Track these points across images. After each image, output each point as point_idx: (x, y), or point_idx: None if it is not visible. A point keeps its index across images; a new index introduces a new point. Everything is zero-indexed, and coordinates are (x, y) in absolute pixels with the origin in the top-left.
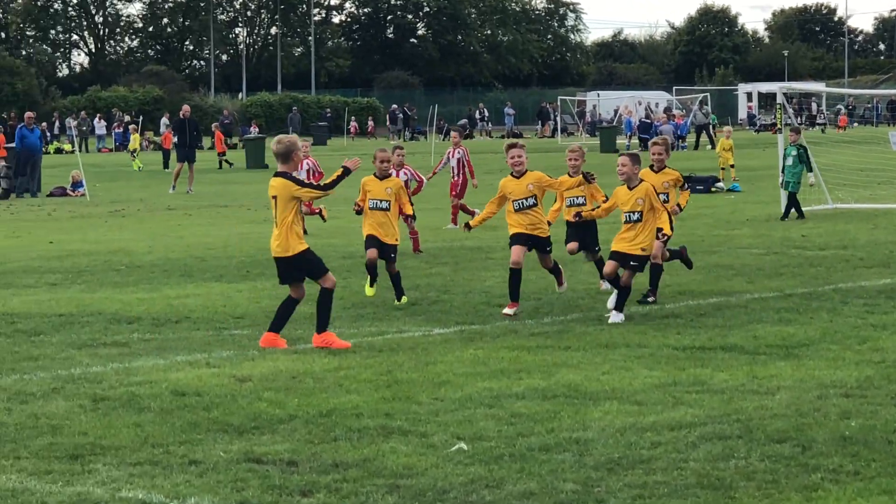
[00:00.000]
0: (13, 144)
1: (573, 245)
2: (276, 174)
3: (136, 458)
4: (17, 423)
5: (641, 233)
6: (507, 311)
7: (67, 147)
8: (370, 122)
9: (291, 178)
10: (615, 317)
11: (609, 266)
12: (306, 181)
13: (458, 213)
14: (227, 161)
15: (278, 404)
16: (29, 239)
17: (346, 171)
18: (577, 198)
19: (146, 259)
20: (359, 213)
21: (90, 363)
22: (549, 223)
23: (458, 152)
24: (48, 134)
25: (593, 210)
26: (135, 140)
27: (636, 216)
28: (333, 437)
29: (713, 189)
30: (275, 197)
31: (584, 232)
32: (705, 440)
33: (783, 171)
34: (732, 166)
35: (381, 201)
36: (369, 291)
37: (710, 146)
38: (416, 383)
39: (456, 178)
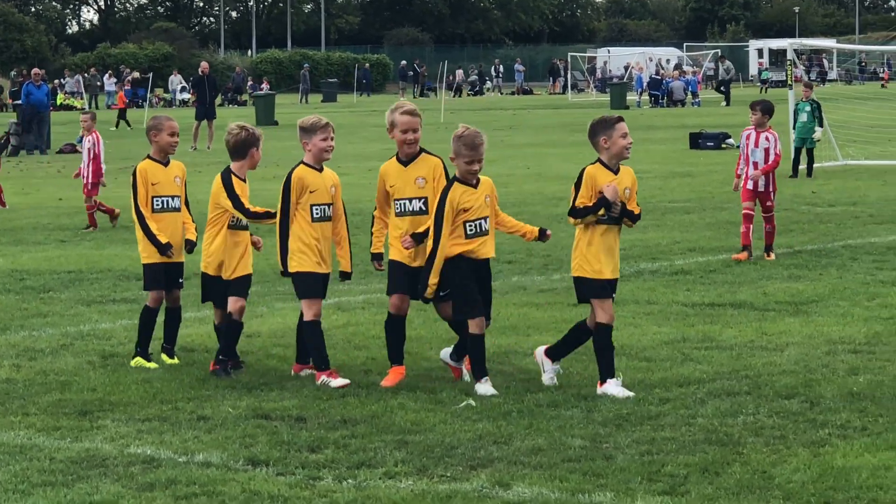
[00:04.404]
0: (20, 101)
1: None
2: None
3: (145, 414)
4: (25, 380)
5: None
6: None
7: (78, 104)
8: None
9: None
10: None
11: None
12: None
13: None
14: (125, 121)
15: (287, 361)
16: (38, 196)
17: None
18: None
19: None
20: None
21: (99, 320)
22: None
23: (90, 140)
24: (58, 91)
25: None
26: None
27: None
28: (342, 393)
29: (724, 146)
30: None
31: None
32: (714, 396)
33: (795, 128)
34: None
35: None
36: None
37: (724, 103)
38: (424, 340)
39: (84, 171)
